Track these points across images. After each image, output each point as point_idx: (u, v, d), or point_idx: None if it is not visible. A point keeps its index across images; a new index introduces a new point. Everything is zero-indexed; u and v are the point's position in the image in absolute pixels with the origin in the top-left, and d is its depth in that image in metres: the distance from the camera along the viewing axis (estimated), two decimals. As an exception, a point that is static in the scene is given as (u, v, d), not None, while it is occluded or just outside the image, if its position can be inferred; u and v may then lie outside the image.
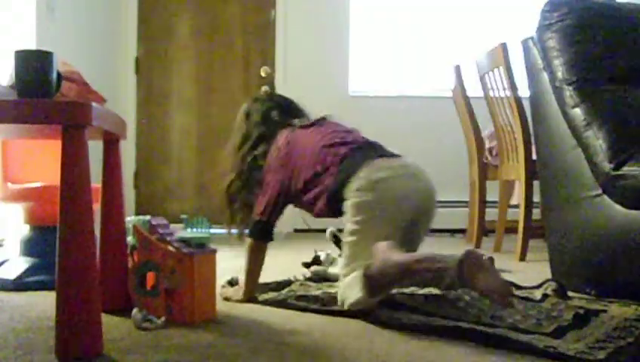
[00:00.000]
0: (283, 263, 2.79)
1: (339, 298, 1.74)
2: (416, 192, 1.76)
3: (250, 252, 1.96)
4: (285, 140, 1.97)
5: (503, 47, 3.20)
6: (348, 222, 1.76)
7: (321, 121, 2.03)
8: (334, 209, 1.81)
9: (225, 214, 2.08)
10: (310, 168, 1.87)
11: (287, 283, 2.21)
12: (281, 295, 1.99)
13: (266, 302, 1.93)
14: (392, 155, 1.85)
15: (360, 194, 1.72)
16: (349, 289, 1.67)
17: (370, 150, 1.85)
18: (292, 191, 1.92)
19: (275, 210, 1.94)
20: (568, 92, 2.14)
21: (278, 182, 1.93)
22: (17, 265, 2.19)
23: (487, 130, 3.85)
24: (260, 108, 2.12)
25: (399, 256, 1.57)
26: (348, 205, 1.75)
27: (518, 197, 3.74)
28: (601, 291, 2.00)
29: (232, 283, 2.12)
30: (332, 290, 1.98)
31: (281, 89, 4.77)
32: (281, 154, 1.94)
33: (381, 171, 1.74)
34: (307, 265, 2.41)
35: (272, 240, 1.96)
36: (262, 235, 1.95)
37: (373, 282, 1.60)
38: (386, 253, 1.59)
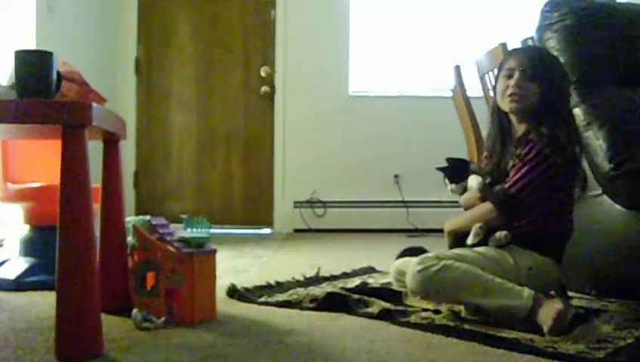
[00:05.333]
0: (283, 263, 2.81)
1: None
2: None
3: None
4: None
5: (503, 47, 3.19)
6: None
7: None
8: None
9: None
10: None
11: (286, 284, 2.21)
12: (282, 296, 1.99)
13: (265, 303, 1.93)
14: None
15: None
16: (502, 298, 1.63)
17: None
18: None
19: None
20: (568, 92, 2.14)
21: None
22: (17, 265, 2.19)
23: (487, 130, 3.85)
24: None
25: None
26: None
27: (518, 197, 3.72)
28: (601, 291, 2.00)
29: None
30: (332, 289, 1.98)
31: (281, 89, 4.77)
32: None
33: None
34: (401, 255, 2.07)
35: None
36: None
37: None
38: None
